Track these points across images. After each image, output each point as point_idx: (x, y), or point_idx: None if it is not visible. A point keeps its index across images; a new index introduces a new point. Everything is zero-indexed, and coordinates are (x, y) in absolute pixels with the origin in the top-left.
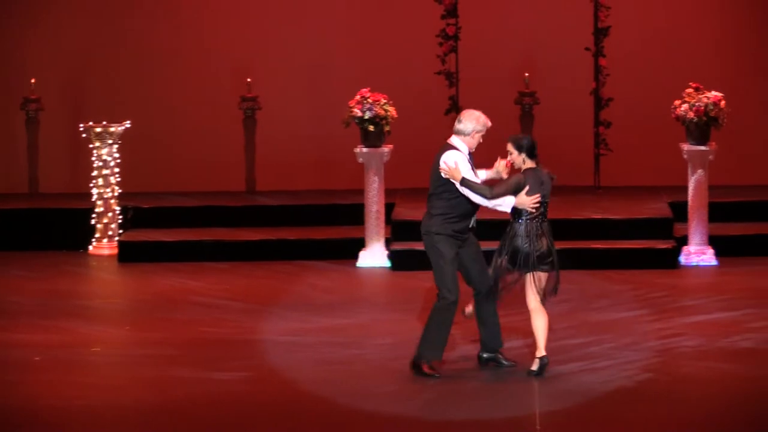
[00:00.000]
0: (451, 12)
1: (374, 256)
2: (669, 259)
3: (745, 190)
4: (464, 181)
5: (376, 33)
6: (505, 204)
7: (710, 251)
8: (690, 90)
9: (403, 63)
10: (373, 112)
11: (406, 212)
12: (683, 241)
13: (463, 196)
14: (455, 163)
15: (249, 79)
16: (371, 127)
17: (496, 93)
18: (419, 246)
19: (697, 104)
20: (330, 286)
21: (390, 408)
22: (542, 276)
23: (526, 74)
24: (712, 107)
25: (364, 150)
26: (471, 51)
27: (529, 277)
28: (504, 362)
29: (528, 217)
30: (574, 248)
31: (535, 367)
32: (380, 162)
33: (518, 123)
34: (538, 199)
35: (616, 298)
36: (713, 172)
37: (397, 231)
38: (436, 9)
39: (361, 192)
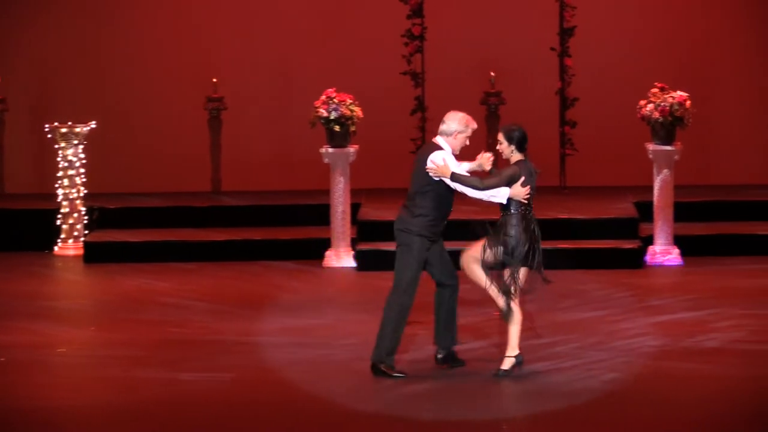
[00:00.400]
0: (417, 12)
1: (340, 257)
2: (634, 259)
3: (710, 190)
4: (454, 176)
5: (342, 33)
6: (499, 195)
7: (675, 251)
8: (655, 90)
9: (368, 63)
10: (339, 112)
11: (372, 212)
12: (649, 240)
13: (447, 196)
14: (443, 160)
15: (215, 80)
16: (337, 128)
17: (462, 93)
18: (385, 246)
19: (662, 104)
20: (296, 287)
21: (358, 407)
22: (525, 272)
23: (492, 74)
24: (677, 107)
25: (330, 150)
26: (437, 51)
27: (513, 271)
28: (458, 360)
29: (520, 209)
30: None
31: (506, 366)
32: (346, 162)
33: (484, 123)
34: (529, 190)
35: (582, 297)
36: (678, 171)
37: (363, 231)
38: (401, 9)
39: (327, 192)
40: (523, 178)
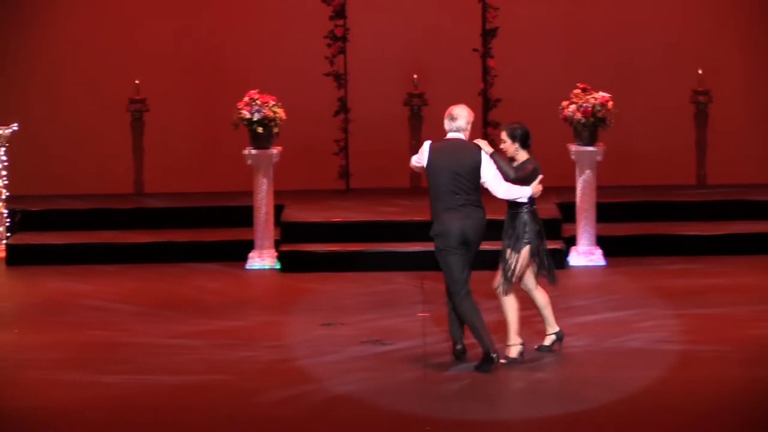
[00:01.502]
0: (339, 13)
1: (264, 258)
2: (557, 260)
3: (632, 191)
4: (494, 156)
5: (264, 34)
6: (523, 194)
7: (598, 252)
8: (577, 91)
9: (291, 64)
10: (262, 113)
11: (296, 214)
12: (572, 241)
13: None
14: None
15: (137, 81)
16: (260, 129)
17: (385, 94)
18: (308, 247)
19: (584, 105)
20: (219, 288)
21: (279, 410)
22: (528, 262)
23: (415, 76)
24: (599, 108)
25: (253, 152)
26: (359, 52)
27: (517, 258)
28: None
29: (530, 207)
30: None
31: (547, 342)
32: (269, 164)
33: (407, 124)
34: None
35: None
36: (601, 172)
37: (287, 233)
38: (324, 10)
39: (250, 194)
40: (541, 176)
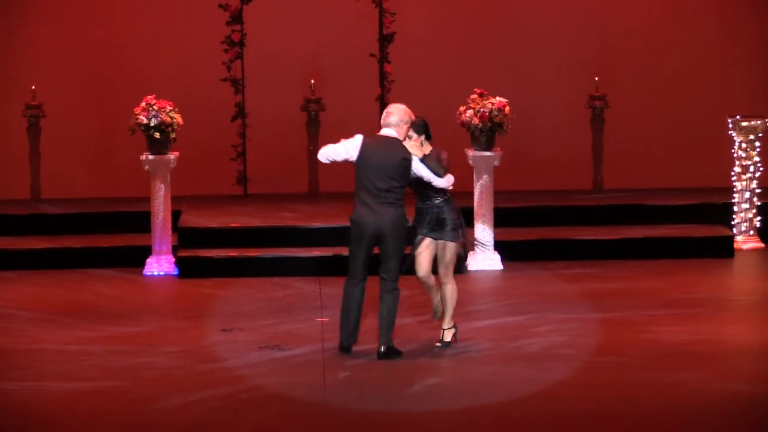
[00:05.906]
0: (237, 18)
1: (161, 264)
2: (456, 265)
3: (530, 196)
4: (424, 159)
5: (161, 39)
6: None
7: (496, 256)
8: (475, 96)
9: (188, 70)
10: (159, 119)
11: (193, 219)
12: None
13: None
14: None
15: (33, 87)
16: (157, 135)
17: (282, 99)
18: (206, 253)
19: (481, 110)
20: (117, 295)
21: (176, 416)
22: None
23: (312, 81)
24: (496, 113)
25: (150, 157)
26: (257, 58)
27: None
28: (397, 351)
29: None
30: None
31: (448, 338)
32: (166, 169)
33: (305, 130)
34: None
35: (401, 303)
36: (498, 177)
37: (184, 238)
38: (221, 15)
39: (147, 199)
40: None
